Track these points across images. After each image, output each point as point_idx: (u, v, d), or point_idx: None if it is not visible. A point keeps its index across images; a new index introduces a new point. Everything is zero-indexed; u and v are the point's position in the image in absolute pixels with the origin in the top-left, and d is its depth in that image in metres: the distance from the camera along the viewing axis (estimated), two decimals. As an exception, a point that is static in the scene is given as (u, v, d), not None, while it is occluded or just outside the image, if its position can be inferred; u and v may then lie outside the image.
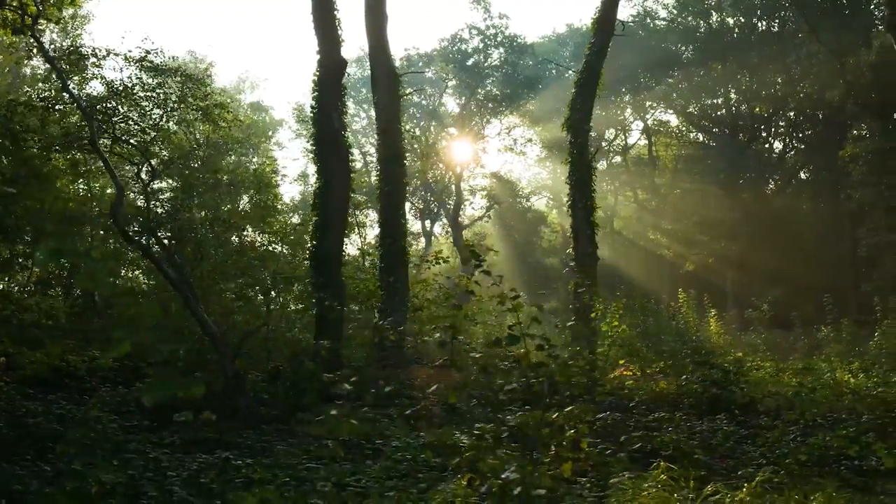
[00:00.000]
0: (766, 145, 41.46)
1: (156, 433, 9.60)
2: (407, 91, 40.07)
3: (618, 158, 48.33)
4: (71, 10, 19.84)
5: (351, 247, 22.06)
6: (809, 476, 7.16)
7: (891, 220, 29.42)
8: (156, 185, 15.62)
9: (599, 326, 13.53)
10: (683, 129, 44.89)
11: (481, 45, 40.10)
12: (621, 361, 12.14)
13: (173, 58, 18.44)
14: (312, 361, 11.11)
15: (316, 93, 12.46)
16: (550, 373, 4.75)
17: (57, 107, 12.47)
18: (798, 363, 15.87)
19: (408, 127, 45.58)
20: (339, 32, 12.63)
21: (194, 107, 14.00)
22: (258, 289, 16.57)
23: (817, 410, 10.69)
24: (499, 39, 39.60)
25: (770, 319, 25.88)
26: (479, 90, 41.82)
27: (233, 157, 29.30)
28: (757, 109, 39.03)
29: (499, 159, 56.64)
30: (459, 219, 40.82)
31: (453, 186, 41.07)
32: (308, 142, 14.45)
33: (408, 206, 46.55)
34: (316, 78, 12.47)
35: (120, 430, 9.58)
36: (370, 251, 19.09)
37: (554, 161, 43.11)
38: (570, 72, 42.56)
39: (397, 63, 43.53)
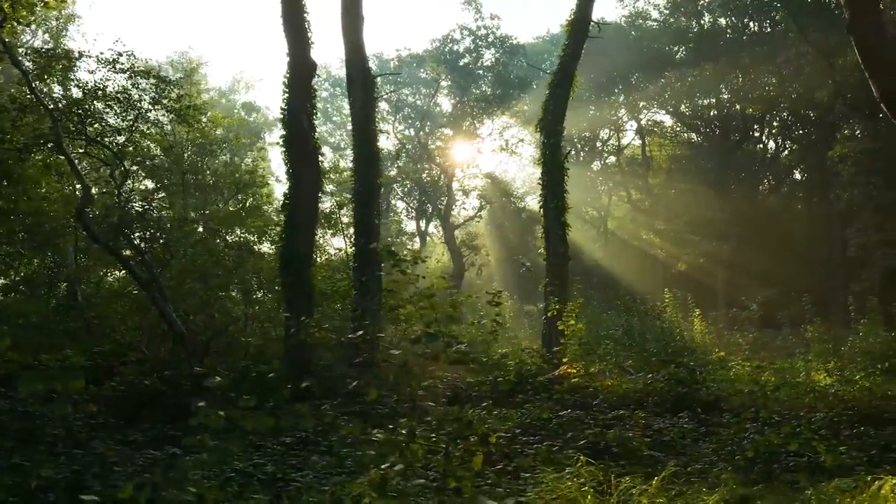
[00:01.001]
0: (759, 146, 41.53)
1: (120, 431, 9.77)
2: (382, 94, 40.30)
3: (612, 158, 48.38)
4: (54, 13, 19.97)
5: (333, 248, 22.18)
6: (757, 472, 7.32)
7: (879, 221, 29.45)
8: (138, 185, 15.74)
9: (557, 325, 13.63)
10: (678, 129, 44.96)
11: (472, 46, 40.23)
12: (564, 360, 12.25)
13: (146, 60, 18.58)
14: (280, 360, 11.25)
15: (286, 94, 12.62)
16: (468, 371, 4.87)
17: (31, 108, 12.56)
18: (774, 363, 15.96)
19: (401, 127, 45.85)
20: (309, 35, 12.74)
21: (168, 108, 14.14)
22: (238, 288, 16.74)
23: (779, 408, 10.82)
24: (490, 40, 39.74)
25: (760, 319, 25.99)
26: (475, 90, 41.95)
27: (226, 158, 29.46)
28: (749, 110, 39.09)
29: (493, 159, 56.70)
30: (451, 219, 40.92)
31: (445, 187, 41.18)
32: (278, 143, 14.65)
33: (402, 205, 46.89)
34: (286, 80, 12.63)
35: (85, 428, 9.80)
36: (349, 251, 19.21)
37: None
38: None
39: (391, 65, 43.92)
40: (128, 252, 12.33)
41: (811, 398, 11.02)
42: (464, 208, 43.43)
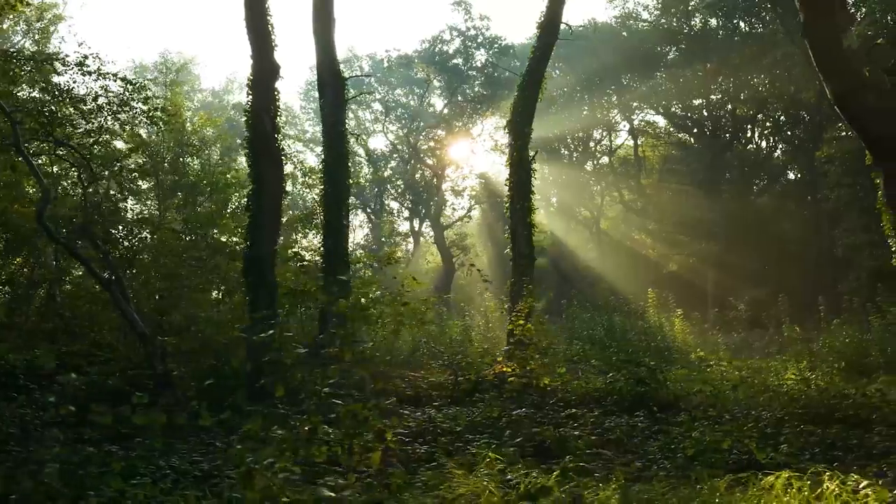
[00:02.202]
0: (751, 146, 41.60)
1: (75, 429, 9.90)
2: (375, 95, 40.15)
3: (605, 159, 48.46)
4: (42, 12, 20.06)
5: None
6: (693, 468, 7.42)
7: (865, 221, 29.52)
8: (106, 185, 15.87)
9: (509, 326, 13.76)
10: (671, 129, 45.04)
11: (462, 47, 40.32)
12: (500, 358, 12.37)
13: (113, 62, 18.72)
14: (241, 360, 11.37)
15: (249, 96, 12.75)
16: (362, 369, 5.00)
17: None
18: (743, 361, 16.03)
19: (393, 128, 45.99)
20: (273, 37, 12.86)
21: (137, 110, 14.30)
22: (214, 288, 16.88)
23: (735, 408, 10.92)
24: (479, 41, 39.84)
25: (748, 319, 26.02)
26: (468, 91, 42.03)
27: (217, 158, 29.55)
28: (738, 110, 39.18)
29: (486, 160, 56.91)
30: (442, 219, 41.02)
31: (436, 187, 41.32)
32: (242, 144, 14.85)
33: (396, 206, 47.02)
34: (249, 82, 12.76)
35: (41, 426, 9.95)
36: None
37: (539, 161, 43.14)
38: (556, 72, 42.89)
39: (386, 65, 44.04)
40: (92, 252, 12.44)
41: (766, 397, 11.12)
42: (453, 208, 43.56)
